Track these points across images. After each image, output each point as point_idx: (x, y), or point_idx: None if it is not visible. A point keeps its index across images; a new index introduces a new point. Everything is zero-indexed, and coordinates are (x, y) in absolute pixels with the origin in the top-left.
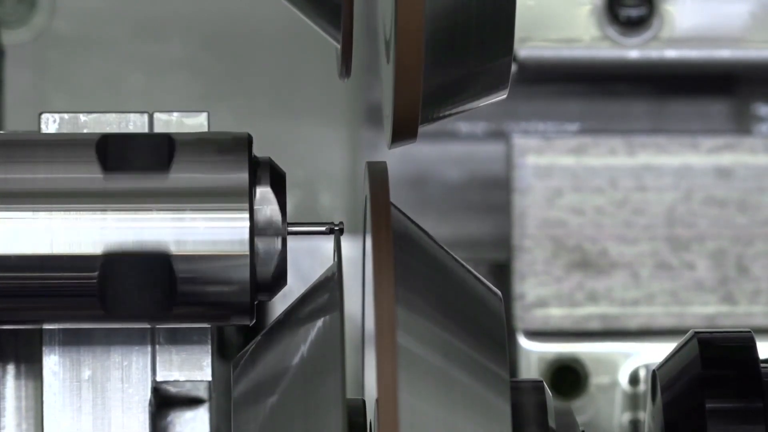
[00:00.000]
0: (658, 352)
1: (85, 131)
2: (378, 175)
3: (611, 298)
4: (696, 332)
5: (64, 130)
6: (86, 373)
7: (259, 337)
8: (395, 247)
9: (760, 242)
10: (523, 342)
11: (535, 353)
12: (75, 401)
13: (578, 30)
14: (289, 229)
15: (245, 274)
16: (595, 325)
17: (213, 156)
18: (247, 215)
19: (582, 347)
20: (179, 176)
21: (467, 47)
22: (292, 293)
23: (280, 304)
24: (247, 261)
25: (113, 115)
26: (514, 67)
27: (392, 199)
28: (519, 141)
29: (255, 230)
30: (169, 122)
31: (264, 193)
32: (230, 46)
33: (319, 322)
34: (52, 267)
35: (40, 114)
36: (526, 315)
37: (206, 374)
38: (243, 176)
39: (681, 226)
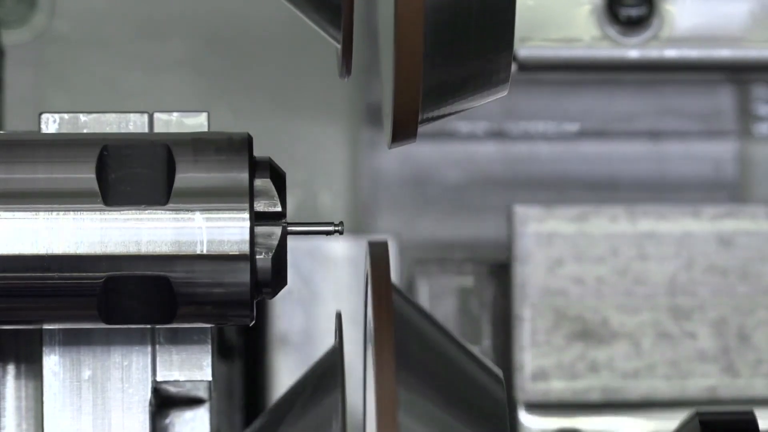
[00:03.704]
0: (659, 424)
1: (85, 131)
2: (379, 255)
3: (612, 368)
4: (698, 413)
5: (64, 130)
6: (86, 373)
7: (261, 418)
8: (396, 329)
9: (761, 311)
10: (524, 418)
11: (536, 430)
12: (75, 401)
13: (578, 30)
14: (289, 229)
15: (245, 274)
16: (595, 397)
17: (213, 156)
18: (247, 215)
19: (583, 421)
20: (179, 176)
21: (467, 46)
22: (292, 293)
23: (280, 304)
24: (247, 261)
25: (113, 115)
26: (514, 67)
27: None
28: (520, 209)
29: (255, 230)
30: (169, 122)
31: (264, 192)
32: (230, 45)
33: (321, 407)
34: (52, 267)
35: (40, 114)
36: (527, 386)
37: (206, 374)
38: (243, 176)
39: (682, 294)
